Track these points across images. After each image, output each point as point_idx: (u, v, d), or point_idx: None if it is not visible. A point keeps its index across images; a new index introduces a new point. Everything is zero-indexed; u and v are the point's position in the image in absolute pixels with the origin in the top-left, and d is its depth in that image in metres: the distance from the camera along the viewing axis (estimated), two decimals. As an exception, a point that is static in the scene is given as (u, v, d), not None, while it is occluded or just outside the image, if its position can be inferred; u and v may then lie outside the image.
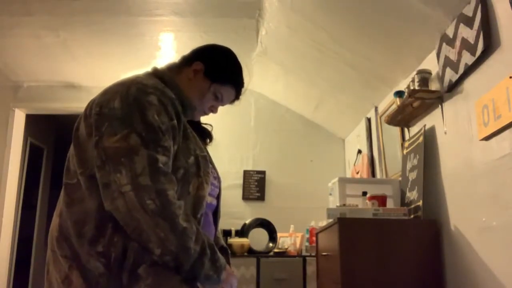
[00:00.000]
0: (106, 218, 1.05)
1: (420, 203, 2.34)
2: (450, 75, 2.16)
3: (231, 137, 4.20)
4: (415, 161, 2.49)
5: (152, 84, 1.17)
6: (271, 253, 3.60)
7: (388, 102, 3.04)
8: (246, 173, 4.16)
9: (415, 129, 2.65)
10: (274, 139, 4.27)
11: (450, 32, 2.16)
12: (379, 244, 2.22)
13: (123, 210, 1.01)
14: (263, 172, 4.16)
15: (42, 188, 5.18)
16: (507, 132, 1.73)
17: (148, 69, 1.31)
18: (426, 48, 2.43)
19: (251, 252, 3.54)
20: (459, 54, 2.06)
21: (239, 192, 4.11)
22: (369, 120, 3.52)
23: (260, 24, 3.20)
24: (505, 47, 1.77)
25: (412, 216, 2.40)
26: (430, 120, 2.45)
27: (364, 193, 2.52)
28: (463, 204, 2.09)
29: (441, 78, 2.26)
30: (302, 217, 3.74)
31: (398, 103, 2.57)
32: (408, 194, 2.54)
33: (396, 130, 2.93)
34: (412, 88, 2.41)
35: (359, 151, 3.73)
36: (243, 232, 3.66)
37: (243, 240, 3.55)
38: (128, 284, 1.02)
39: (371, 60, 2.90)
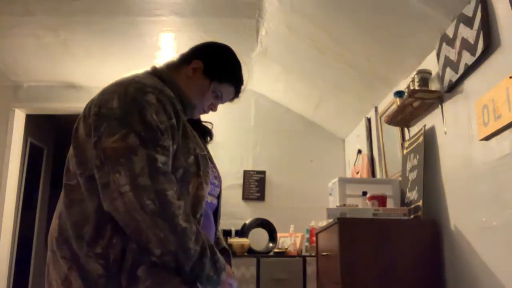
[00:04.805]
0: (105, 219, 1.04)
1: (420, 203, 2.34)
2: (450, 75, 2.16)
3: (231, 137, 4.20)
4: (415, 161, 2.49)
5: (151, 83, 1.17)
6: (271, 253, 3.60)
7: (388, 102, 3.04)
8: (246, 173, 4.16)
9: (415, 129, 2.65)
10: (274, 139, 4.27)
11: (450, 32, 2.16)
12: (379, 244, 2.22)
13: (122, 210, 1.00)
14: (263, 172, 4.16)
15: (42, 188, 5.18)
16: (507, 132, 1.73)
17: (148, 69, 1.31)
18: (426, 48, 2.43)
19: (251, 252, 3.54)
20: (459, 54, 2.06)
21: (239, 192, 4.11)
22: (369, 120, 3.52)
23: (260, 24, 3.20)
24: (505, 47, 1.77)
25: (412, 216, 2.40)
26: (430, 120, 2.45)
27: (364, 193, 2.52)
28: (463, 204, 2.09)
29: (441, 78, 2.26)
30: (302, 217, 3.74)
31: (398, 103, 2.57)
32: (408, 194, 2.54)
33: (396, 130, 2.93)
34: (412, 88, 2.41)
35: (359, 151, 3.73)
36: (243, 232, 3.66)
37: (243, 240, 3.55)
38: (127, 285, 1.02)
39: (371, 60, 2.90)
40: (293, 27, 3.05)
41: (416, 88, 2.36)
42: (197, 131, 1.30)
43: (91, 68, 3.88)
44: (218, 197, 1.35)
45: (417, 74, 2.39)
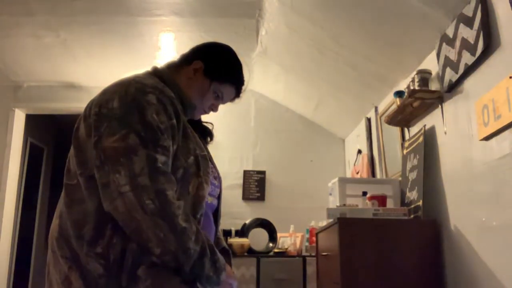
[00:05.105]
0: (105, 219, 1.04)
1: (420, 203, 2.34)
2: (450, 75, 2.16)
3: (231, 137, 4.20)
4: (415, 161, 2.49)
5: (151, 83, 1.17)
6: (271, 253, 3.60)
7: (388, 102, 3.05)
8: (246, 173, 4.16)
9: (415, 129, 2.65)
10: (274, 139, 4.27)
11: (450, 32, 2.16)
12: (379, 244, 2.22)
13: (122, 210, 1.01)
14: (263, 172, 4.16)
15: (42, 188, 5.18)
16: (507, 132, 1.73)
17: (148, 69, 1.31)
18: (426, 48, 2.43)
19: (251, 252, 3.54)
20: (459, 54, 2.06)
21: (239, 192, 4.11)
22: (369, 120, 3.52)
23: (260, 24, 3.20)
24: (505, 47, 1.77)
25: (412, 216, 2.40)
26: (430, 120, 2.45)
27: (364, 193, 2.52)
28: (463, 204, 2.09)
29: (441, 78, 2.26)
30: (302, 217, 3.74)
31: (398, 103, 2.57)
32: (408, 194, 2.54)
33: (396, 130, 2.93)
34: (412, 88, 2.41)
35: (359, 151, 3.73)
36: (243, 232, 3.66)
37: (243, 240, 3.55)
38: (127, 285, 1.02)
39: (371, 60, 2.90)
40: (293, 27, 3.05)
41: (416, 88, 2.36)
42: (197, 131, 1.30)
43: (91, 68, 3.88)
44: (218, 197, 1.34)
45: (417, 74, 2.39)
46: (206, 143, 1.39)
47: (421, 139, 2.46)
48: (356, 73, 3.13)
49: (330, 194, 2.91)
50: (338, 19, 2.73)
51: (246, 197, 4.11)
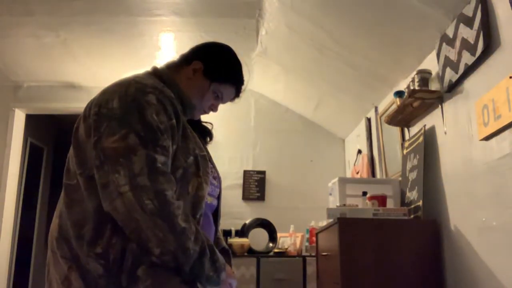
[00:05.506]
0: (105, 219, 1.04)
1: (420, 203, 2.34)
2: (450, 75, 2.16)
3: (231, 137, 4.20)
4: (415, 161, 2.49)
5: (151, 83, 1.17)
6: (271, 253, 3.60)
7: (388, 102, 3.05)
8: (246, 173, 4.16)
9: (415, 129, 2.65)
10: (274, 139, 4.27)
11: (450, 32, 2.16)
12: (379, 244, 2.22)
13: (121, 210, 1.00)
14: (263, 172, 4.16)
15: (42, 188, 5.17)
16: (507, 132, 1.73)
17: (148, 69, 1.31)
18: (426, 48, 2.43)
19: (251, 252, 3.54)
20: (459, 54, 2.06)
21: (239, 192, 4.11)
22: (369, 120, 3.52)
23: (260, 24, 3.20)
24: (505, 47, 1.77)
25: (412, 216, 2.40)
26: (430, 120, 2.45)
27: (364, 193, 2.52)
28: (463, 204, 2.09)
29: (441, 78, 2.26)
30: (302, 217, 3.74)
31: (398, 103, 2.57)
32: (408, 194, 2.54)
33: (396, 130, 2.93)
34: (412, 88, 2.41)
35: (359, 151, 3.74)
36: (243, 232, 3.66)
37: (243, 240, 3.55)
38: (127, 285, 1.02)
39: (371, 60, 2.90)
40: (293, 27, 3.05)
41: (416, 88, 2.36)
42: (197, 131, 1.30)
43: (91, 68, 3.88)
44: (218, 197, 1.34)
45: (417, 74, 2.39)
46: (205, 143, 1.39)
47: (421, 139, 2.46)
48: (356, 73, 3.13)
49: (330, 194, 2.91)
50: (338, 19, 2.73)
51: (246, 197, 4.11)
